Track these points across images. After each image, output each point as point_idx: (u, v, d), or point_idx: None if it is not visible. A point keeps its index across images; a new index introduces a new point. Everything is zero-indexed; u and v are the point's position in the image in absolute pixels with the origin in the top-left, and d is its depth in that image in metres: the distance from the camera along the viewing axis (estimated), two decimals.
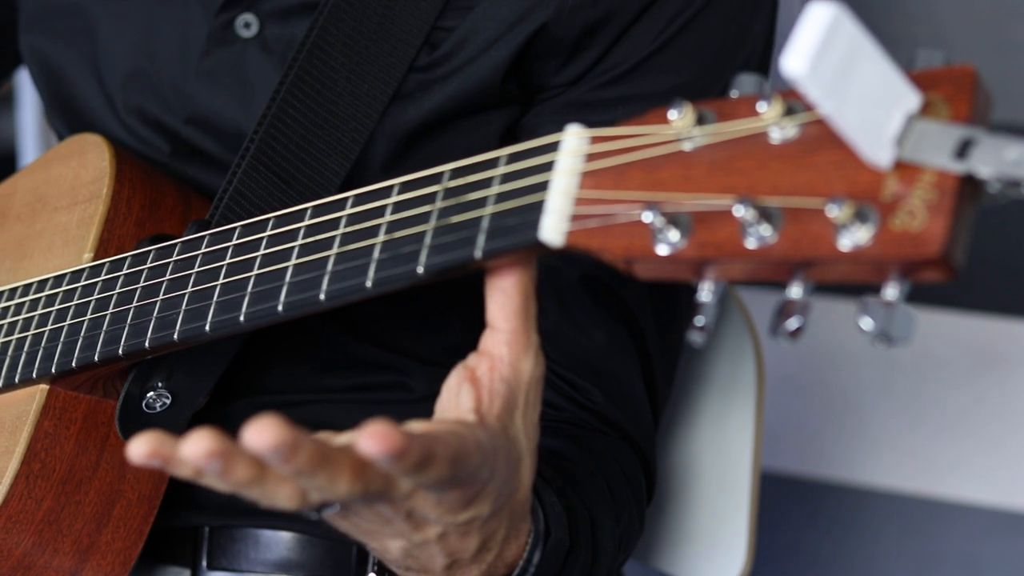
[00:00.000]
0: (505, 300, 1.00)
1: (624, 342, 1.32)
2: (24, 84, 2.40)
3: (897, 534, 2.25)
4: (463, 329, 1.38)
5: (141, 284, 1.19)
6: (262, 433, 0.88)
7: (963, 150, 0.83)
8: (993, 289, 2.16)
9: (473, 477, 0.98)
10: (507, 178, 0.98)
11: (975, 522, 2.20)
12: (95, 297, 1.22)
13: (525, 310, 1.01)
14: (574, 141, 0.96)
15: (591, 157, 0.95)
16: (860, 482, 2.25)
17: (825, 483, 2.26)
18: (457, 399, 1.01)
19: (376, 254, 1.03)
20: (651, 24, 1.29)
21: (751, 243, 0.88)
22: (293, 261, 1.08)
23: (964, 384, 2.19)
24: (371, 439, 0.90)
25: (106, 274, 1.22)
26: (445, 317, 1.38)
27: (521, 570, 1.09)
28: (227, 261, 1.13)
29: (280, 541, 1.36)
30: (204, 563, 1.37)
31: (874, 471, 2.24)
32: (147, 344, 1.16)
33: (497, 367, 1.01)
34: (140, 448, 0.91)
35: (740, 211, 0.87)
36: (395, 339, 1.38)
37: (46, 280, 1.27)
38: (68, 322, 1.23)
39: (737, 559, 1.52)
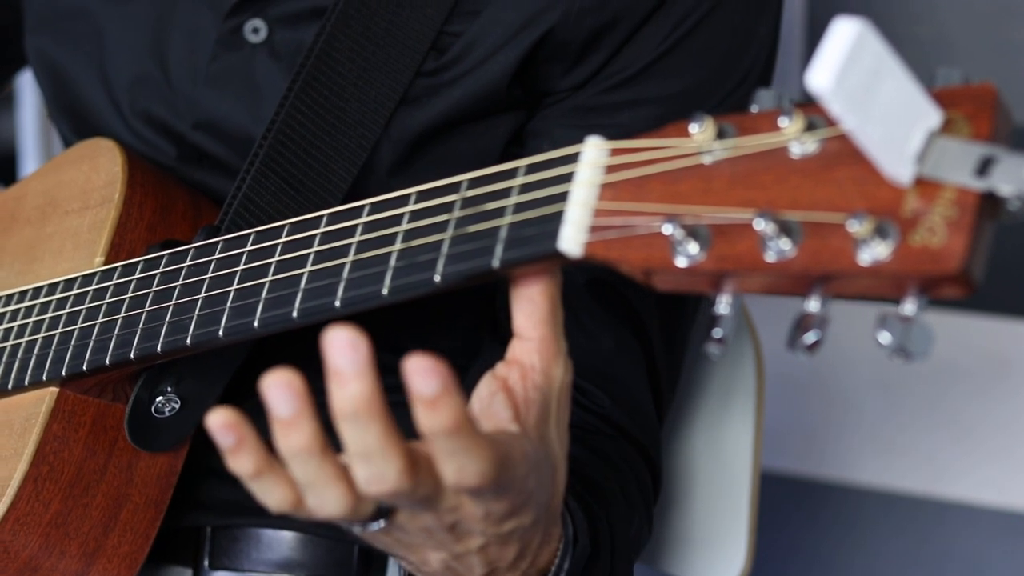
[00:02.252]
0: (533, 309, 1.00)
1: (631, 346, 1.32)
2: (24, 84, 2.39)
3: (898, 535, 2.25)
4: (464, 333, 1.38)
5: (154, 289, 1.19)
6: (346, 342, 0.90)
7: (984, 168, 0.84)
8: (1000, 291, 2.17)
9: (520, 488, 0.98)
10: (526, 188, 0.98)
11: (978, 523, 2.20)
12: (107, 301, 1.22)
13: (553, 317, 1.00)
14: (593, 153, 0.96)
15: (610, 169, 0.95)
16: (860, 482, 2.25)
17: (825, 483, 2.27)
18: (490, 409, 1.01)
19: (392, 262, 1.03)
20: (657, 28, 1.29)
21: (770, 257, 0.88)
22: (308, 268, 1.08)
23: (965, 384, 2.20)
24: (421, 375, 0.89)
25: (118, 278, 1.22)
26: (451, 321, 1.38)
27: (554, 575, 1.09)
28: (241, 267, 1.13)
29: (282, 541, 1.37)
30: (206, 563, 1.37)
31: (875, 471, 2.24)
32: (159, 348, 1.16)
33: (530, 375, 1.01)
34: (221, 418, 0.93)
35: (760, 225, 0.87)
36: (401, 342, 1.38)
37: (57, 283, 1.27)
38: (79, 325, 1.23)
39: (737, 559, 1.53)
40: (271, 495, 0.96)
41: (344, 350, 0.91)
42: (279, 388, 0.92)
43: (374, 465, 0.93)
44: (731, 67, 1.32)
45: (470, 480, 0.94)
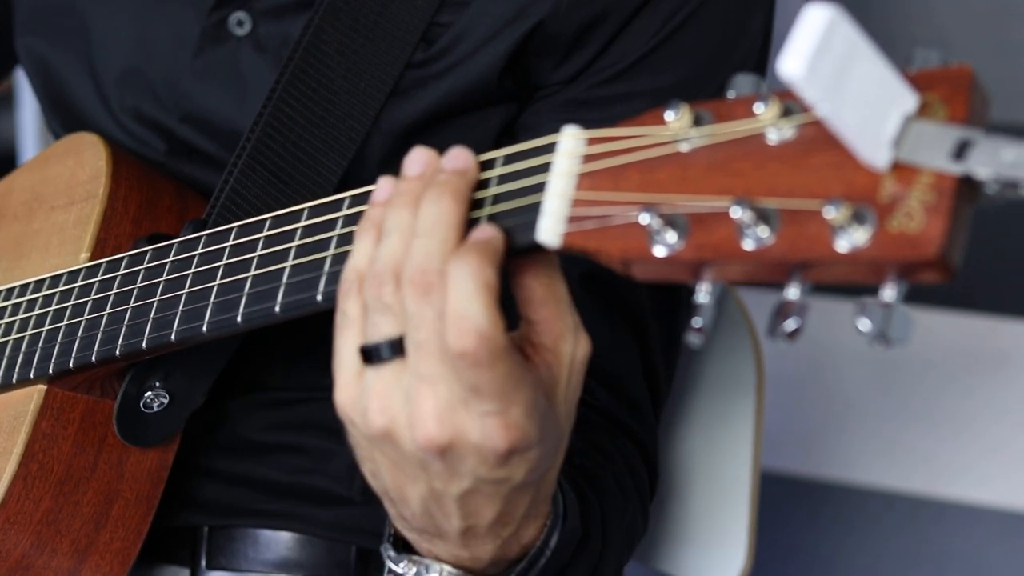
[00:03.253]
0: (530, 293, 1.00)
1: (626, 340, 1.32)
2: (24, 84, 2.40)
3: (897, 534, 2.25)
4: None
5: (138, 284, 1.19)
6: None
7: (960, 151, 0.83)
8: (997, 289, 2.16)
9: (525, 428, 0.96)
10: (504, 179, 0.98)
11: (977, 523, 2.19)
12: (92, 297, 1.22)
13: (553, 296, 1.00)
14: (571, 142, 0.96)
15: (588, 158, 0.94)
16: (860, 482, 2.25)
17: (825, 483, 2.26)
18: None
19: None
20: (648, 21, 1.29)
21: (748, 245, 0.87)
22: (290, 262, 1.08)
23: (965, 384, 2.19)
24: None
25: (103, 274, 1.22)
26: None
27: (537, 551, 1.07)
28: (224, 262, 1.12)
29: (279, 541, 1.36)
30: (203, 563, 1.37)
31: (874, 471, 2.24)
32: (144, 345, 1.16)
33: (540, 353, 1.00)
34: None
35: (737, 213, 0.87)
36: None
37: (43, 280, 1.27)
38: (65, 322, 1.23)
39: (737, 559, 1.52)
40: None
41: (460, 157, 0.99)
42: (423, 153, 1.00)
43: (429, 239, 0.96)
44: (723, 60, 1.32)
45: (466, 330, 0.93)
